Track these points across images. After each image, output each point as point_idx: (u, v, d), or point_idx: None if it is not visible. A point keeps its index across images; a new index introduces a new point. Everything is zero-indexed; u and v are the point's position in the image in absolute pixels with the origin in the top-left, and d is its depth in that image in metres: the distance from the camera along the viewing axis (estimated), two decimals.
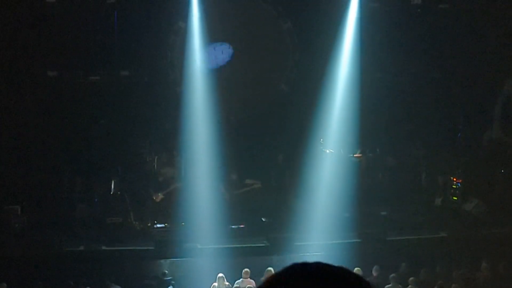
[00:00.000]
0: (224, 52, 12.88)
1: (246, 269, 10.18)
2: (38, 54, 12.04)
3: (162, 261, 10.89)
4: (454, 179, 12.40)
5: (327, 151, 12.39)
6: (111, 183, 11.81)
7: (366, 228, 11.77)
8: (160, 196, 11.74)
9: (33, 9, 11.99)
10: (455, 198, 12.44)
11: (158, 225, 11.54)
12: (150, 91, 12.20)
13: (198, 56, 12.43)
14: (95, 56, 12.26)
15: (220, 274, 9.95)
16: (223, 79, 12.67)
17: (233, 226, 11.35)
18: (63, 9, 12.09)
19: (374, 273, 10.47)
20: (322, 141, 12.35)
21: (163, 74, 12.51)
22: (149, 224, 11.56)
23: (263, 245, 11.27)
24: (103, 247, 10.98)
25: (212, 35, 12.51)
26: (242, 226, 11.42)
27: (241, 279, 10.16)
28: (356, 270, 10.27)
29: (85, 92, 12.20)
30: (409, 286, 10.21)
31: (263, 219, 11.71)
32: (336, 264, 1.61)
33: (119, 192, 11.84)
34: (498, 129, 10.93)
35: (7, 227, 10.96)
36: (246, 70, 12.93)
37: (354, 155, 12.77)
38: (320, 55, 12.34)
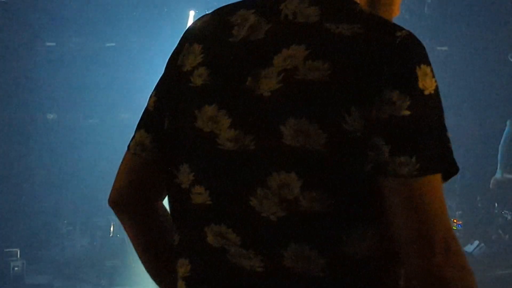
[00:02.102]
0: None
1: None
2: (38, 97, 12.06)
3: None
4: (455, 221, 12.38)
5: None
6: (110, 225, 11.76)
7: None
8: None
9: (33, 53, 12.06)
10: None
11: None
12: None
13: None
14: (94, 98, 12.29)
15: None
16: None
17: None
18: (62, 52, 12.16)
19: None
20: None
21: None
22: None
23: None
24: None
25: None
26: None
27: None
28: None
29: (84, 135, 12.21)
30: None
31: None
32: None
33: (118, 235, 11.77)
34: (501, 169, 10.97)
35: (6, 270, 10.85)
36: None
37: None
38: None
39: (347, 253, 1.46)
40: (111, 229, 11.57)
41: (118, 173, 1.83)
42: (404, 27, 1.62)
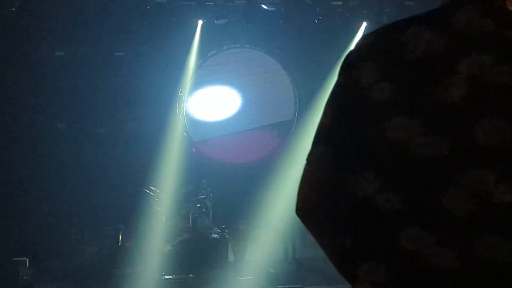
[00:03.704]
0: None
1: None
2: (47, 106, 12.12)
3: None
4: None
5: None
6: (119, 235, 11.77)
7: None
8: (168, 247, 11.67)
9: (43, 62, 12.11)
10: None
11: (166, 277, 11.46)
12: (159, 142, 12.25)
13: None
14: (103, 107, 12.34)
15: None
16: (229, 127, 12.75)
17: (241, 278, 11.26)
18: (72, 61, 12.21)
19: None
20: None
21: (172, 126, 12.58)
22: (156, 276, 11.47)
23: None
24: None
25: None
26: (250, 278, 11.34)
27: None
28: None
29: (94, 144, 12.25)
30: None
31: (271, 270, 11.64)
32: None
33: (127, 244, 11.78)
34: None
35: (15, 279, 10.89)
36: (250, 119, 13.04)
37: None
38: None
39: None
40: (120, 238, 11.59)
41: (302, 184, 1.88)
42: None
